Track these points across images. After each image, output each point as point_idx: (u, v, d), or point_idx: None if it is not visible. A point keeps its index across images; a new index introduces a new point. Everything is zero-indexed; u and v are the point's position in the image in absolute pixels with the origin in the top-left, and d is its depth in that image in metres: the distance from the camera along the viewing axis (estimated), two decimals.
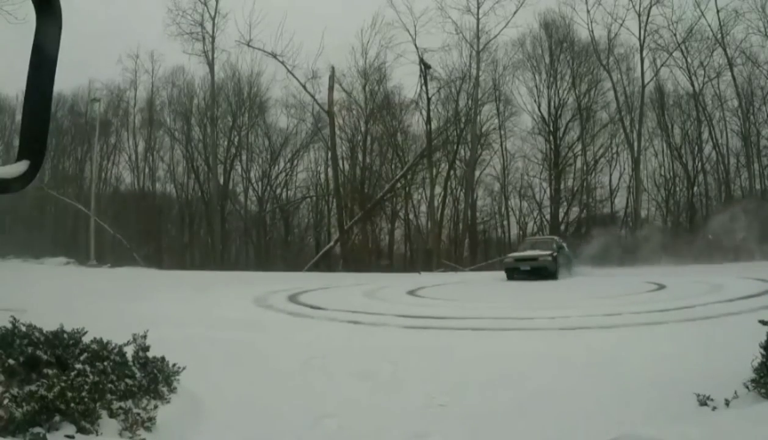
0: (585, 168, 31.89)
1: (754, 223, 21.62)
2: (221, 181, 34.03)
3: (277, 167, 35.34)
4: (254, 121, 35.01)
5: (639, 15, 29.05)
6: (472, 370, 5.53)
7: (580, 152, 31.92)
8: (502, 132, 32.83)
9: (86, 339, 3.91)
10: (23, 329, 3.64)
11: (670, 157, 31.60)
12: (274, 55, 30.23)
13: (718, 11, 27.58)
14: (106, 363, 3.70)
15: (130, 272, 23.69)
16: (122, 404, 3.55)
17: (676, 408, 3.93)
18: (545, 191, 32.49)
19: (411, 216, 34.29)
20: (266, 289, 14.09)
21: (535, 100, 32.46)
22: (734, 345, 4.94)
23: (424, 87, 30.45)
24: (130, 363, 3.99)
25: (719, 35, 28.04)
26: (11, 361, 3.32)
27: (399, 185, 32.73)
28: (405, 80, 31.77)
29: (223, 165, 34.36)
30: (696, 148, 30.71)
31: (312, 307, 11.05)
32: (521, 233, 32.85)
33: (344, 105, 33.01)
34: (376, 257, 32.15)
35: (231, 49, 32.04)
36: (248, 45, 30.40)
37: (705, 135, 30.22)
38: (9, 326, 3.68)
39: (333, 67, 31.13)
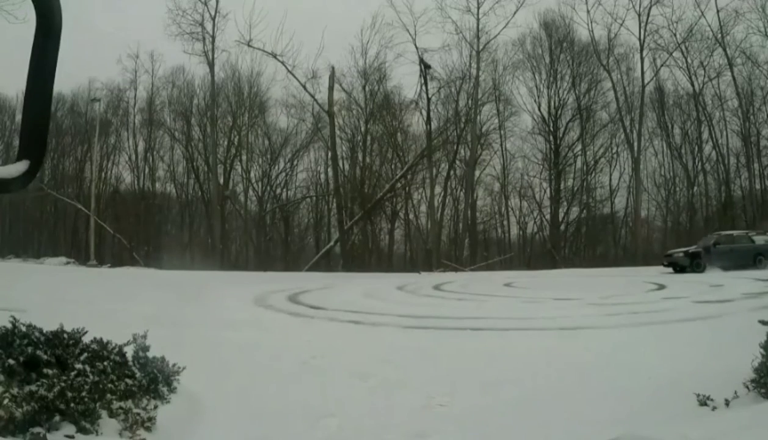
0: (585, 168, 31.92)
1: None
2: (221, 181, 34.02)
3: (277, 167, 35.39)
4: (254, 121, 35.02)
5: (639, 15, 29.10)
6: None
7: (580, 152, 31.96)
8: (502, 132, 32.92)
9: (86, 339, 3.91)
10: (23, 329, 3.64)
11: (670, 157, 31.68)
12: (274, 55, 30.26)
13: (718, 11, 27.64)
14: (106, 363, 3.70)
15: (129, 272, 23.68)
16: (122, 404, 3.55)
17: (675, 407, 3.92)
18: (545, 191, 32.56)
19: (411, 216, 34.33)
20: (266, 289, 14.08)
21: (535, 100, 32.54)
22: (734, 344, 4.93)
23: (424, 87, 30.49)
24: (130, 363, 3.99)
25: (719, 35, 28.06)
26: (11, 361, 3.32)
27: (399, 185, 32.73)
28: (405, 80, 31.87)
29: (223, 165, 34.37)
30: (696, 148, 30.75)
31: (312, 307, 11.05)
32: (521, 232, 32.91)
33: (344, 105, 33.06)
34: (377, 258, 32.15)
35: (231, 49, 32.10)
36: (248, 45, 30.43)
37: (705, 135, 30.28)
38: (9, 326, 3.67)
39: (333, 67, 31.17)
